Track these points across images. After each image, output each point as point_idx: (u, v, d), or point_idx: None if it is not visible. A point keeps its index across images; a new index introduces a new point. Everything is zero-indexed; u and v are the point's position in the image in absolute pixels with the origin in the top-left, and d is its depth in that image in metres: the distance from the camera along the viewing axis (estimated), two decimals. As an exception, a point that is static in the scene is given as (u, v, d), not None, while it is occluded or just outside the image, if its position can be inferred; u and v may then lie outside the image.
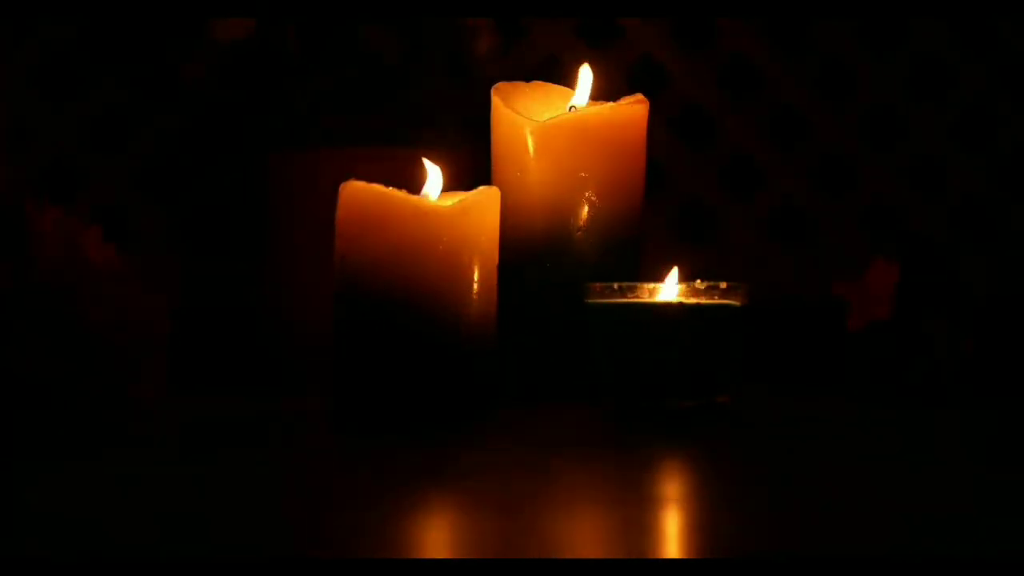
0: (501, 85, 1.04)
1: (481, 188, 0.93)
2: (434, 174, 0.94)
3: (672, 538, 0.60)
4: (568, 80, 1.07)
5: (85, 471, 0.76)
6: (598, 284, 0.94)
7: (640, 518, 0.64)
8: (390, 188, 0.91)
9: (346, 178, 0.91)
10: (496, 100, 1.03)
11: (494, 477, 0.76)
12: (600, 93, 1.05)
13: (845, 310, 1.11)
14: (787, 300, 1.31)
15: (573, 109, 1.04)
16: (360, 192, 0.90)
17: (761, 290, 0.98)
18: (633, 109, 1.03)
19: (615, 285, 0.94)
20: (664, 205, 1.38)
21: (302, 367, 1.19)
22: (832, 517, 0.63)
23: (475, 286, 0.91)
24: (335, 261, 0.91)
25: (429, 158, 0.95)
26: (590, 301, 0.95)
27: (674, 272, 0.94)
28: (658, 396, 0.93)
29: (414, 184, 0.94)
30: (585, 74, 1.05)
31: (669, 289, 0.93)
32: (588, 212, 1.02)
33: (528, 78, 1.07)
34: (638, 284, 0.94)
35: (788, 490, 0.71)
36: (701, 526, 0.63)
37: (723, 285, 0.93)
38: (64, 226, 1.02)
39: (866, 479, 0.74)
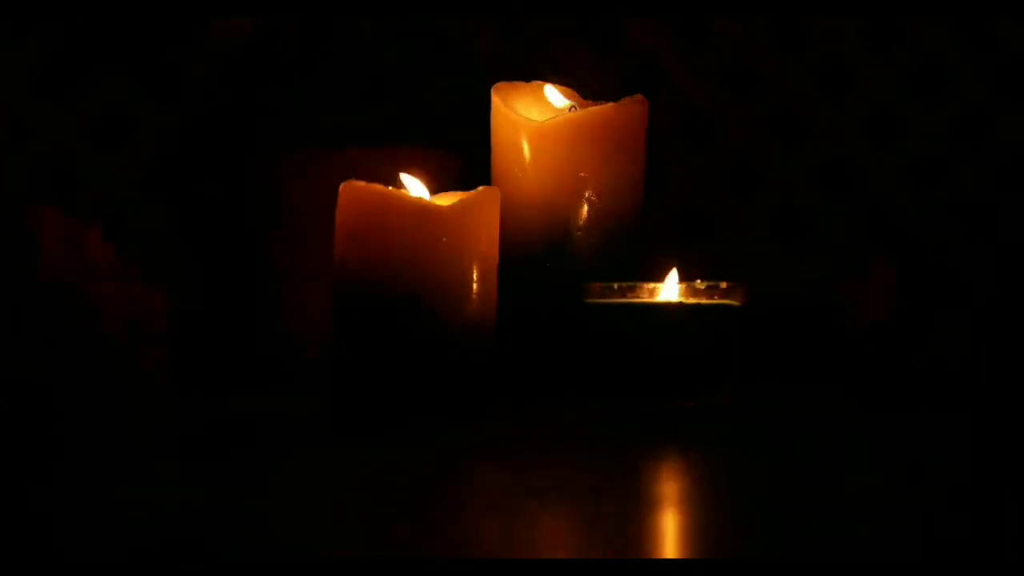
0: (501, 85, 1.05)
1: (481, 188, 0.93)
2: (414, 186, 0.94)
3: (671, 538, 0.60)
4: (568, 80, 1.07)
5: (85, 471, 0.76)
6: (598, 284, 0.94)
7: (640, 518, 0.64)
8: (390, 188, 0.91)
9: (346, 178, 0.91)
10: (496, 100, 1.03)
11: (493, 477, 0.76)
12: (600, 93, 1.05)
13: (845, 310, 1.11)
14: (787, 300, 1.31)
15: (574, 109, 1.04)
16: (360, 192, 0.90)
17: (761, 290, 0.98)
18: (633, 109, 1.03)
19: (615, 285, 0.94)
20: (664, 205, 1.38)
21: (302, 366, 1.19)
22: (832, 517, 0.63)
23: (475, 286, 0.91)
24: (335, 261, 0.91)
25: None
26: (590, 301, 0.95)
27: (674, 272, 0.94)
28: (658, 396, 0.93)
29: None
30: (551, 93, 1.05)
31: (669, 289, 0.93)
32: (588, 212, 1.02)
33: (528, 78, 1.07)
34: (638, 284, 0.94)
35: (787, 490, 0.71)
36: (700, 526, 0.63)
37: (723, 285, 0.93)
38: (64, 226, 1.02)
39: (866, 479, 0.74)
